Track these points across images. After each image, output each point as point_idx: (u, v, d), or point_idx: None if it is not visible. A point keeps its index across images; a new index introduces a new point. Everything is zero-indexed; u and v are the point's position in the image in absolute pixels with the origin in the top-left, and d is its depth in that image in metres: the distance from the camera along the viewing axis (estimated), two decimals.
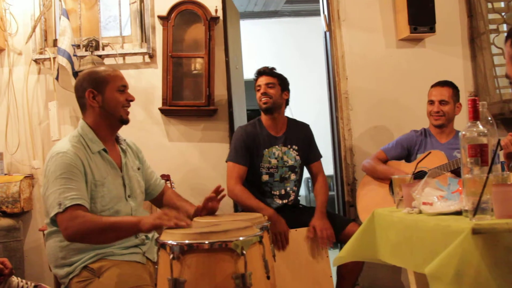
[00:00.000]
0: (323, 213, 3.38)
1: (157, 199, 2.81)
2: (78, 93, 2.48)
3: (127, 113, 2.51)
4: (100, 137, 2.45)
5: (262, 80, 3.49)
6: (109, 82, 2.45)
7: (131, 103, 2.53)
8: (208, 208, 2.54)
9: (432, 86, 3.64)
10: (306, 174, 3.70)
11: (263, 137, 3.49)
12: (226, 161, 3.51)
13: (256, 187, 3.48)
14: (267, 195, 3.48)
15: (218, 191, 2.56)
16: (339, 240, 3.44)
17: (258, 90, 3.49)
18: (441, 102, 3.54)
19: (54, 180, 2.26)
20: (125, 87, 2.50)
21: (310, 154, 3.61)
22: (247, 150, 3.45)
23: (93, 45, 4.06)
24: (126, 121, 2.51)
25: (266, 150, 3.47)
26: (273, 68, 3.55)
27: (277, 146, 3.49)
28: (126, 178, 2.51)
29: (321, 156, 3.66)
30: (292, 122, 3.63)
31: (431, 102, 3.59)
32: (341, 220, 3.50)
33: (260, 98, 3.48)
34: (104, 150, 2.45)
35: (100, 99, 2.43)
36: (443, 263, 1.64)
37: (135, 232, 2.29)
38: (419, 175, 3.05)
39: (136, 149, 2.72)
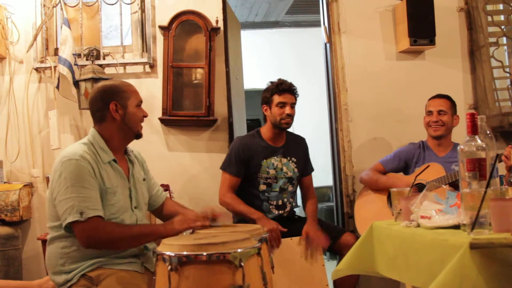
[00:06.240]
0: (315, 220, 3.44)
1: (158, 210, 2.82)
2: (98, 105, 2.47)
3: (142, 128, 2.56)
4: (111, 147, 2.47)
5: (288, 99, 3.44)
6: (130, 97, 2.49)
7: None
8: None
9: (430, 99, 3.66)
10: None
11: (261, 147, 3.50)
12: (220, 168, 3.53)
13: (254, 196, 3.49)
14: (264, 205, 3.49)
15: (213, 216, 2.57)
16: (335, 250, 3.49)
17: (281, 107, 3.43)
18: (440, 112, 3.55)
19: (70, 187, 2.26)
20: (141, 102, 2.55)
21: (304, 167, 3.63)
22: (242, 161, 3.47)
23: (94, 54, 4.07)
24: (140, 136, 2.57)
25: (265, 160, 3.48)
26: (293, 85, 3.51)
27: (276, 157, 3.50)
28: (133, 190, 2.53)
29: (313, 170, 3.71)
30: (290, 135, 3.65)
31: (429, 113, 3.60)
32: (336, 230, 3.54)
33: (283, 117, 3.43)
34: (114, 160, 2.46)
35: (123, 113, 2.46)
36: (447, 280, 1.62)
37: (159, 238, 2.37)
38: (418, 188, 3.06)
39: (141, 159, 2.72)
